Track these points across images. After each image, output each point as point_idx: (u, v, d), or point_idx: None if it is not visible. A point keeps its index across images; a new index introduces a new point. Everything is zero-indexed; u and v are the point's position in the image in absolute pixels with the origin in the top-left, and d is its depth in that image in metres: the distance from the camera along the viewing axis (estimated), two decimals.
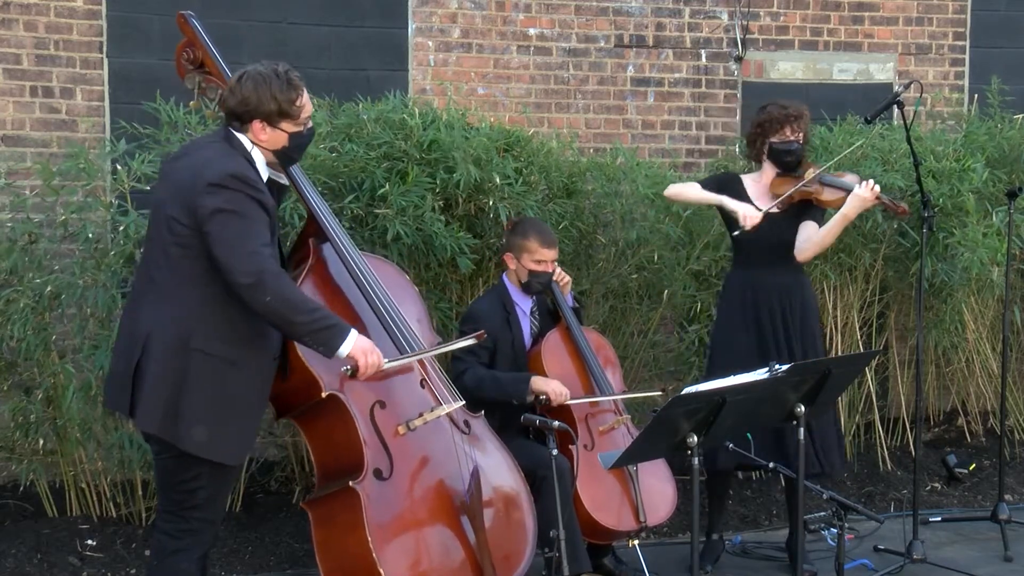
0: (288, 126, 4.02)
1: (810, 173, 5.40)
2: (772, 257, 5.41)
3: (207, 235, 3.83)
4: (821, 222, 5.45)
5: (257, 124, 3.98)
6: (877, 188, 5.23)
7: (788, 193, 5.37)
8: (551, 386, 5.00)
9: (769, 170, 5.52)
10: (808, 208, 5.44)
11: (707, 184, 5.60)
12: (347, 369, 4.06)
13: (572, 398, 5.06)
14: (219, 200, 3.83)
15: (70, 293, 5.44)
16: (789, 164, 5.45)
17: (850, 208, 5.26)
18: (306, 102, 4.05)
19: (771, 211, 5.35)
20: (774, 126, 5.44)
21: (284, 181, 4.34)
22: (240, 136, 4.01)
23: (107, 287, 5.42)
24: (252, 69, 4.02)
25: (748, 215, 5.31)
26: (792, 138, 5.41)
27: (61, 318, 5.61)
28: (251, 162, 3.99)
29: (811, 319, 5.54)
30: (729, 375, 4.31)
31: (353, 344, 3.99)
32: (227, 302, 3.89)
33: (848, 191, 5.28)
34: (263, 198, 3.94)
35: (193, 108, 5.05)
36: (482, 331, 4.69)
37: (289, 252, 4.59)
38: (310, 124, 4.12)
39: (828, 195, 5.37)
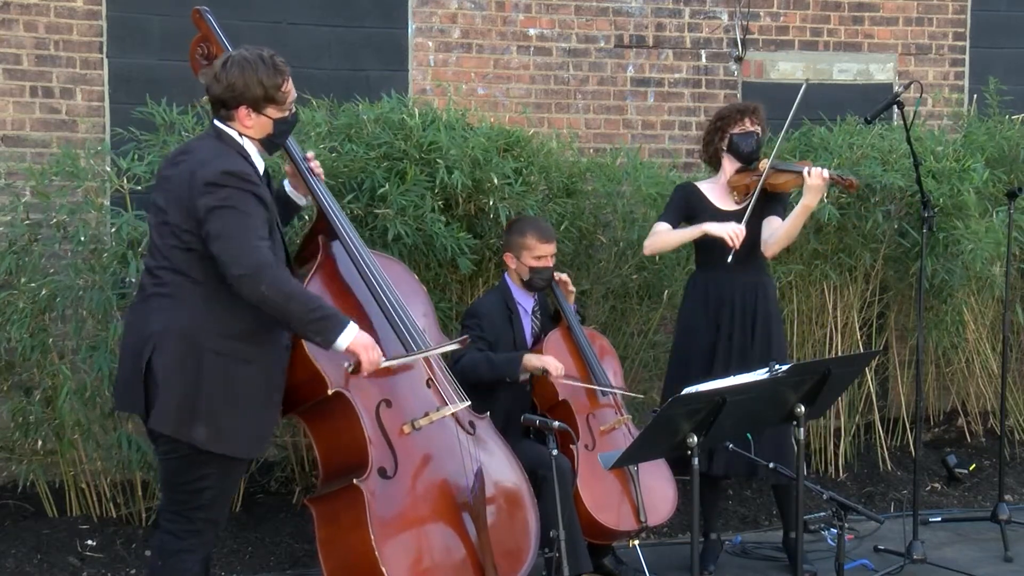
0: (273, 112, 4.01)
1: (764, 164, 5.44)
2: (736, 256, 5.33)
3: (206, 234, 3.83)
4: (783, 215, 5.45)
5: (243, 111, 3.97)
6: (826, 172, 5.25)
7: (756, 184, 5.37)
8: (546, 360, 5.00)
9: (728, 167, 5.54)
10: (770, 202, 5.44)
11: (671, 213, 5.55)
12: (349, 365, 4.04)
13: (569, 380, 5.06)
14: (216, 198, 3.83)
15: (65, 295, 5.43)
16: (750, 155, 5.47)
17: (808, 198, 5.27)
18: (291, 87, 4.04)
19: (736, 208, 5.39)
20: (734, 116, 5.50)
21: (302, 203, 4.40)
22: (229, 130, 4.00)
23: (103, 288, 5.40)
24: (237, 54, 4.00)
25: (734, 234, 5.28)
26: (752, 128, 5.47)
27: (60, 319, 5.60)
28: (244, 156, 3.98)
29: (773, 322, 5.50)
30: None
31: (353, 338, 3.95)
32: (233, 299, 3.88)
33: (798, 172, 5.31)
34: (259, 191, 3.94)
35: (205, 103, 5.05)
36: (465, 337, 4.72)
37: (298, 248, 4.61)
38: (294, 109, 4.11)
39: (781, 178, 5.39)
